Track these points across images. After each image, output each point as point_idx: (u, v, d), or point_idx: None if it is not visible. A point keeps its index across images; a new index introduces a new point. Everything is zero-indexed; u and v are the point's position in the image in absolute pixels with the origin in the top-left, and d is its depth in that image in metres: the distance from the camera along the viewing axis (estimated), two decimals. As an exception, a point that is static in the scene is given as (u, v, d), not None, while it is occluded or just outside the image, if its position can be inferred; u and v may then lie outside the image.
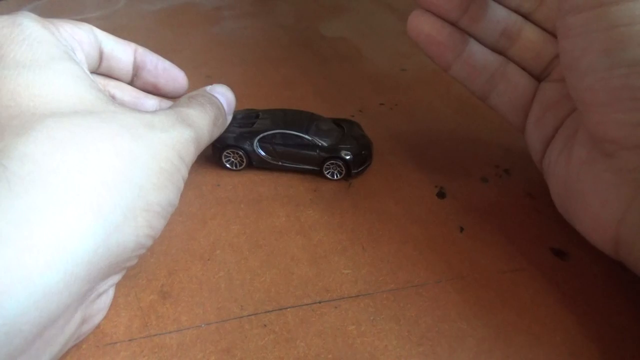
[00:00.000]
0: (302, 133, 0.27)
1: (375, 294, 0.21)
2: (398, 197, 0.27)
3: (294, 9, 0.53)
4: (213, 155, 0.28)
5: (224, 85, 0.27)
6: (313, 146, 0.27)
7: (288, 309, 0.20)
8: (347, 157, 0.27)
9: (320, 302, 0.21)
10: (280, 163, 0.28)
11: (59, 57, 0.18)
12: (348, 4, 0.53)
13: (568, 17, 0.18)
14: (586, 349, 0.19)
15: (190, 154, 0.21)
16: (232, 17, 0.50)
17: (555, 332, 0.20)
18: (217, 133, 0.25)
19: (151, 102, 0.27)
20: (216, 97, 0.25)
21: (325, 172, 0.27)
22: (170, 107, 0.22)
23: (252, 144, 0.27)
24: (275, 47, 0.44)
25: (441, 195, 0.27)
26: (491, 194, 0.27)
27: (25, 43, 0.18)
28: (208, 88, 0.26)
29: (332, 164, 0.27)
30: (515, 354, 0.19)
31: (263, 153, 0.27)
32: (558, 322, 0.20)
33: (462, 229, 0.24)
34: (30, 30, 0.18)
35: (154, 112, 0.20)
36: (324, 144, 0.27)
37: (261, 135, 0.27)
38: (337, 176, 0.27)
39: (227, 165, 0.28)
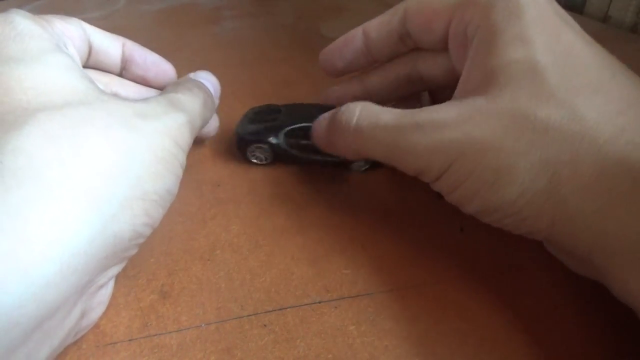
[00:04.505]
0: None
1: (375, 294, 0.21)
2: (398, 197, 0.27)
3: (294, 9, 0.53)
4: (238, 150, 0.28)
5: (207, 71, 0.27)
6: None
7: (288, 309, 0.20)
8: None
9: (320, 302, 0.21)
10: (306, 156, 0.27)
11: (50, 50, 0.19)
12: (348, 4, 0.53)
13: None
14: (586, 349, 0.19)
15: (186, 138, 0.21)
16: (232, 17, 0.50)
17: (555, 332, 0.20)
18: (208, 116, 0.25)
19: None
20: (201, 82, 0.25)
21: (352, 164, 0.28)
22: (159, 94, 0.22)
23: (277, 138, 0.27)
24: (275, 47, 0.44)
25: (441, 195, 0.27)
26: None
27: (17, 39, 0.18)
28: (191, 75, 0.26)
29: None
30: (515, 354, 0.19)
31: (289, 147, 0.27)
32: (557, 322, 0.20)
33: (462, 229, 0.24)
34: (22, 27, 0.19)
35: (145, 100, 0.20)
36: None
37: (287, 129, 0.27)
38: (363, 167, 0.28)
39: (254, 161, 0.28)
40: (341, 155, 0.24)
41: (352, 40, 0.27)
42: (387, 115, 0.21)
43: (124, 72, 0.26)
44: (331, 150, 0.25)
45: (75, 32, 0.22)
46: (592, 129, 0.17)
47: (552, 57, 0.19)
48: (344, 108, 0.23)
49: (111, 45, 0.25)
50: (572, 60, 0.19)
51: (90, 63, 0.25)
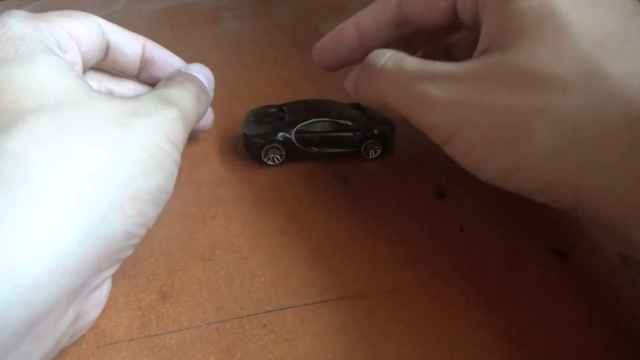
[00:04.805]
0: (336, 119, 0.28)
1: (375, 294, 0.21)
2: (398, 197, 0.27)
3: (294, 9, 0.53)
4: (249, 152, 0.29)
5: (199, 63, 0.27)
6: (350, 129, 0.28)
7: (288, 309, 0.20)
8: (385, 134, 0.28)
9: (320, 302, 0.21)
10: (317, 150, 0.28)
11: (41, 51, 0.19)
12: (348, 4, 0.53)
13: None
14: (586, 349, 0.19)
15: (180, 134, 0.20)
16: (232, 18, 0.50)
17: (556, 332, 0.20)
18: (203, 109, 0.24)
19: None
20: (194, 75, 0.25)
21: (363, 152, 0.29)
22: (150, 91, 0.22)
23: (290, 136, 0.28)
24: (275, 48, 0.44)
25: (441, 195, 0.27)
26: (491, 194, 0.27)
27: (9, 43, 0.18)
28: (183, 68, 0.26)
29: (369, 143, 0.28)
30: (515, 354, 0.19)
31: (300, 144, 0.28)
32: (558, 322, 0.20)
33: (462, 229, 0.24)
34: (14, 30, 0.19)
35: (136, 97, 0.20)
36: (359, 125, 0.28)
37: (298, 127, 0.28)
38: (373, 154, 0.29)
39: (269, 162, 0.28)
40: (365, 104, 0.25)
41: (343, 36, 0.26)
42: (412, 61, 0.21)
43: (142, 72, 0.26)
44: (357, 94, 0.25)
45: (85, 31, 0.22)
46: (618, 85, 0.16)
47: (573, 1, 0.18)
48: (375, 51, 0.23)
49: (130, 46, 0.25)
50: (595, 4, 0.18)
51: (108, 62, 0.24)
